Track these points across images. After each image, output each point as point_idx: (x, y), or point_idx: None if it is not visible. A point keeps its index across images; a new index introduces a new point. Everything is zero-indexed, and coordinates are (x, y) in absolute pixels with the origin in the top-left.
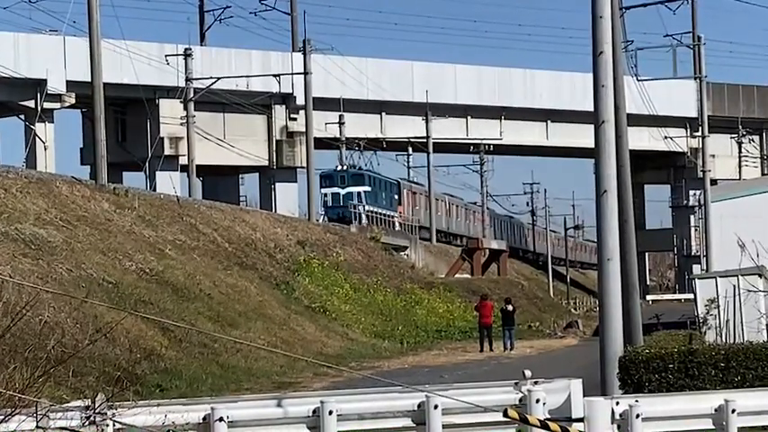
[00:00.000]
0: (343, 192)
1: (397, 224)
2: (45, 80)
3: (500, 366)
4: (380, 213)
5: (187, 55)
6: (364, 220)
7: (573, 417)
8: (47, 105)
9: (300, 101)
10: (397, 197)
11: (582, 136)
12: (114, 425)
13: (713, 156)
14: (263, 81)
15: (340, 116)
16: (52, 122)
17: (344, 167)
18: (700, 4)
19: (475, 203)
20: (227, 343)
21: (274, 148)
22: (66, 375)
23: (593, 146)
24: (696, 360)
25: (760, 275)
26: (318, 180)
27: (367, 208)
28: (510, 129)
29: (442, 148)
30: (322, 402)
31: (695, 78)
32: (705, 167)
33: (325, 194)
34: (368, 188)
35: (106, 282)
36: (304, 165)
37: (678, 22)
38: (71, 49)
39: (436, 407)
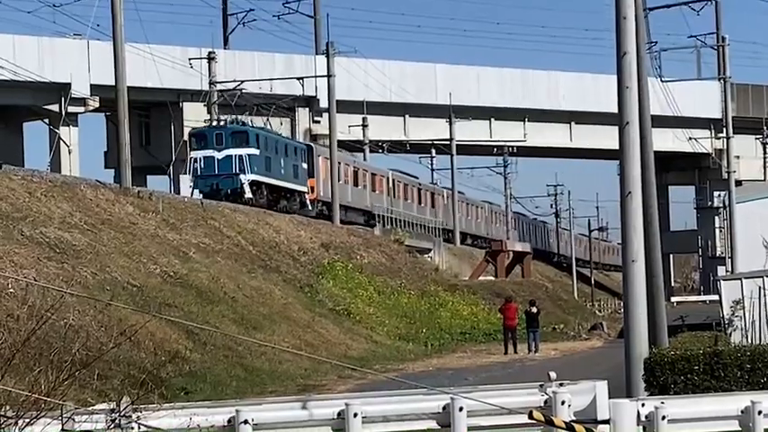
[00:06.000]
0: (219, 155)
1: (307, 202)
2: (69, 84)
3: (524, 368)
4: (277, 186)
5: (211, 58)
6: (248, 194)
7: (598, 419)
8: (71, 109)
9: (324, 104)
10: (306, 166)
11: (606, 137)
12: (139, 427)
13: (738, 157)
14: (287, 84)
15: (363, 119)
16: (76, 126)
17: (222, 122)
18: (723, 5)
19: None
20: (251, 346)
21: None
22: (90, 378)
23: (617, 147)
24: (722, 361)
25: None
26: (188, 141)
27: (252, 177)
28: (533, 130)
29: (465, 150)
30: (347, 405)
31: (719, 79)
32: (730, 168)
33: (195, 159)
34: (254, 150)
35: (131, 285)
36: None
37: (702, 23)
38: (95, 53)
39: (461, 409)
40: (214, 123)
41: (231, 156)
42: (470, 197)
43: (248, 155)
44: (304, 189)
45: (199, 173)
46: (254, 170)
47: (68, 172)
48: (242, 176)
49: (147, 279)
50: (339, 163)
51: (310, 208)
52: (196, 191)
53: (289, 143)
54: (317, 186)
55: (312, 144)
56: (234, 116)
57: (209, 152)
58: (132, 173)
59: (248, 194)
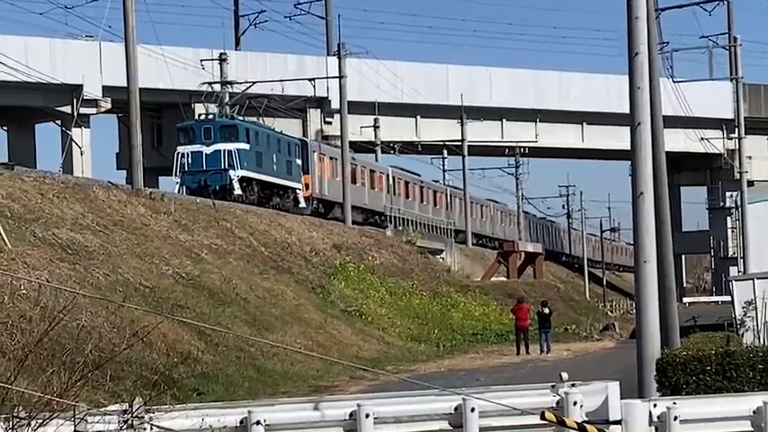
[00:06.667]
0: (207, 150)
1: (301, 199)
2: (81, 85)
3: (536, 369)
4: (269, 182)
5: (222, 59)
6: (237, 191)
7: (610, 419)
8: (83, 111)
9: (335, 105)
10: (300, 162)
11: (617, 138)
12: (152, 428)
13: (750, 157)
14: (299, 85)
15: (375, 120)
16: (88, 128)
17: (210, 116)
18: (735, 5)
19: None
20: (263, 347)
21: None
22: (103, 379)
23: (628, 148)
24: (734, 362)
25: None
26: (176, 136)
27: (242, 173)
28: (545, 131)
29: (477, 150)
30: (359, 405)
31: (731, 79)
32: (742, 169)
33: (183, 155)
34: (245, 145)
35: (143, 286)
36: None
37: (714, 24)
38: (107, 55)
39: (473, 410)
40: (201, 117)
41: (220, 151)
42: (474, 196)
43: (238, 150)
44: (298, 186)
45: (186, 168)
46: (244, 166)
47: (80, 173)
48: (231, 172)
49: (160, 280)
50: (334, 159)
51: (304, 205)
52: (183, 188)
53: (282, 138)
54: (312, 183)
55: (306, 139)
56: (223, 110)
57: (196, 147)
58: (144, 174)
59: (237, 191)
